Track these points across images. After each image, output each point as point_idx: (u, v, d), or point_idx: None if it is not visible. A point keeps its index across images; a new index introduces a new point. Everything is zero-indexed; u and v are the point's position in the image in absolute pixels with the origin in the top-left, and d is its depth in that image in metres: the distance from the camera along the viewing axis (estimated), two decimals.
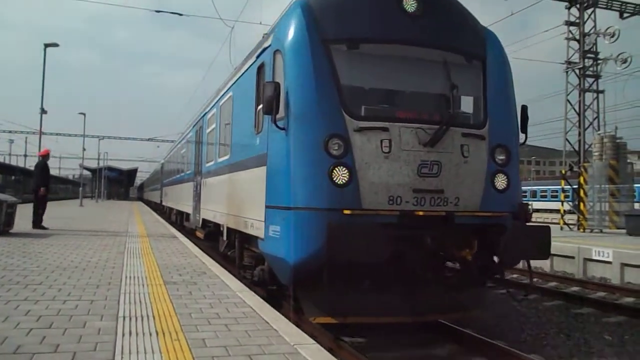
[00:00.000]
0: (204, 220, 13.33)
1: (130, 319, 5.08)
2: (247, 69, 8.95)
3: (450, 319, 7.53)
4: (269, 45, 7.47)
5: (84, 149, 57.04)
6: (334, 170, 6.25)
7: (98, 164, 70.12)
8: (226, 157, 10.43)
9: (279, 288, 7.62)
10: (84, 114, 52.14)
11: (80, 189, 48.40)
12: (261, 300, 6.38)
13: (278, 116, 6.54)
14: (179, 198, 20.58)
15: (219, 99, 12.01)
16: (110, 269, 8.16)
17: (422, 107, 7.11)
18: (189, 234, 16.72)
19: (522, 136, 7.62)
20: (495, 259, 7.03)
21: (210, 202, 12.39)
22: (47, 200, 15.84)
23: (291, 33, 6.81)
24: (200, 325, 4.94)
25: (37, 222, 14.90)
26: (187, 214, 17.42)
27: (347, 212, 6.18)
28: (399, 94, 7.38)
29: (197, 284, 7.17)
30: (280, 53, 6.92)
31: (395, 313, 6.77)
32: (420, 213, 6.50)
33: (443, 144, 6.66)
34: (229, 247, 10.24)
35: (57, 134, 63.18)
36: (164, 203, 30.65)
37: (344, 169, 6.27)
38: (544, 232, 7.02)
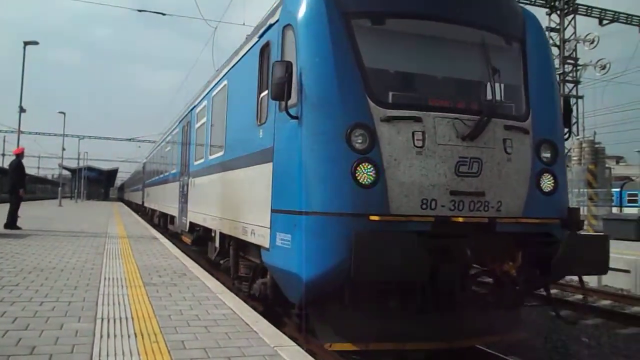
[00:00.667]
0: (191, 224, 12.23)
1: (108, 320, 5.03)
2: (246, 52, 7.87)
3: (487, 343, 6.64)
4: (277, 21, 6.41)
5: (63, 149, 56.47)
6: (358, 168, 5.29)
7: (78, 163, 69.38)
8: (219, 154, 9.36)
9: (282, 305, 6.79)
10: (64, 113, 51.63)
11: (59, 189, 47.86)
12: (241, 302, 6.36)
13: (289, 102, 5.55)
14: (163, 199, 19.37)
15: (211, 89, 10.79)
16: (89, 270, 8.06)
17: (459, 94, 6.25)
18: (173, 237, 16.13)
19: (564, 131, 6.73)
20: (537, 272, 6.06)
21: (199, 204, 11.37)
22: (22, 201, 15.59)
23: (305, 4, 5.81)
24: (180, 327, 4.91)
25: (12, 222, 14.65)
26: (172, 217, 16.33)
27: (374, 218, 5.20)
28: (431, 78, 6.36)
29: (177, 285, 7.12)
30: (292, 28, 5.90)
31: (426, 338, 5.78)
32: (460, 219, 5.54)
33: (484, 138, 5.74)
34: (221, 255, 9.23)
35: (36, 133, 62.31)
36: (146, 204, 29.34)
37: (370, 166, 5.31)
38: (602, 242, 6.05)
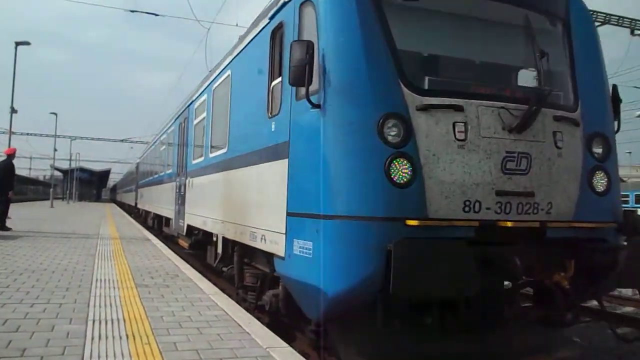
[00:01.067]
0: (189, 227, 11.43)
1: (100, 322, 5.00)
2: (254, 37, 7.07)
3: None
4: None
5: (55, 150, 56.10)
6: (393, 164, 4.60)
7: (70, 164, 69.03)
8: (222, 152, 8.55)
9: (295, 320, 6.20)
10: (56, 114, 51.35)
11: (51, 190, 47.58)
12: (234, 303, 6.35)
13: (310, 89, 4.84)
14: (158, 200, 18.46)
15: (212, 82, 9.93)
16: (81, 271, 8.02)
17: (503, 80, 5.69)
18: (169, 240, 15.67)
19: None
20: (589, 283, 5.39)
21: (198, 206, 10.57)
22: (10, 202, 15.47)
23: None
24: (172, 329, 4.89)
25: (1, 224, 14.52)
26: (168, 219, 15.48)
27: (411, 223, 4.51)
28: (471, 62, 5.69)
29: (169, 287, 7.10)
30: (312, 5, 5.21)
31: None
32: (508, 224, 4.85)
33: (533, 131, 5.08)
34: (224, 261, 8.50)
35: (27, 134, 61.96)
36: (139, 206, 28.39)
37: (405, 162, 4.63)
38: None
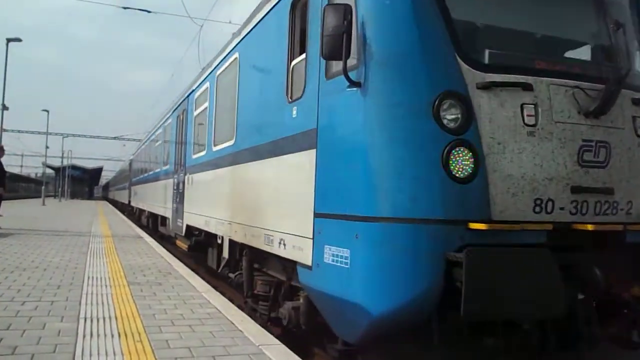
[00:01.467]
0: (188, 227, 10.61)
1: (91, 320, 4.98)
2: (269, 11, 6.21)
3: None
4: None
5: (47, 147, 55.78)
6: (452, 154, 3.85)
7: (62, 162, 68.69)
8: (228, 144, 7.67)
9: (317, 335, 5.53)
10: (47, 111, 51.03)
11: (43, 187, 47.33)
12: (227, 300, 6.34)
13: (348, 64, 4.05)
14: (153, 198, 17.50)
15: (215, 68, 9.04)
16: (72, 269, 7.99)
17: (573, 55, 4.89)
18: (165, 240, 15.36)
19: None
20: None
21: (199, 204, 9.75)
22: (1, 200, 15.36)
23: None
24: (164, 327, 4.88)
25: None
26: (164, 218, 14.64)
27: (475, 226, 3.80)
28: (536, 34, 4.78)
29: (161, 284, 7.08)
30: None
31: None
32: (589, 227, 4.08)
33: (611, 115, 4.28)
34: (230, 266, 7.73)
35: (19, 131, 61.60)
36: (133, 204, 27.38)
37: (466, 151, 3.88)
38: None
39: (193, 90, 11.21)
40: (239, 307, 6.31)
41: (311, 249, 4.57)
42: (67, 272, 7.67)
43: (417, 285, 3.79)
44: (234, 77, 7.58)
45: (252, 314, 6.37)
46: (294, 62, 5.39)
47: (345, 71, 4.01)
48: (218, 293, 6.80)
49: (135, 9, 18.72)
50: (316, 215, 4.57)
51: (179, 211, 11.85)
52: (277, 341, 4.64)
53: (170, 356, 4.04)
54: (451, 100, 3.93)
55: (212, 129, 8.98)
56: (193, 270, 9.14)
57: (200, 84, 10.40)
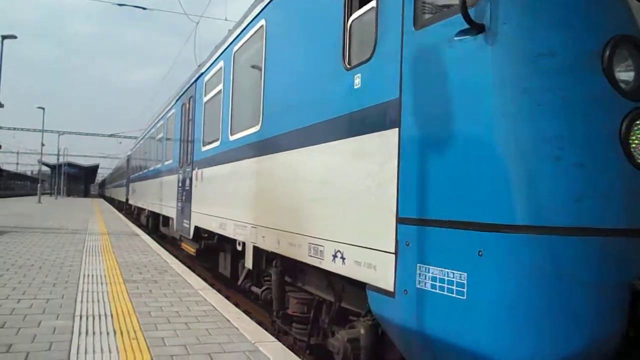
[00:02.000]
0: (197, 229, 9.48)
1: (87, 318, 4.97)
2: None
3: None
4: None
5: (42, 144, 55.58)
6: (634, 130, 2.75)
7: (58, 159, 68.49)
8: (251, 132, 6.36)
9: None
10: (43, 109, 50.80)
11: (39, 185, 47.18)
12: (223, 298, 6.34)
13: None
14: (154, 196, 16.09)
15: (232, 43, 7.72)
16: (68, 267, 7.97)
17: None
18: (165, 240, 14.97)
19: None
20: None
21: (211, 203, 8.52)
22: None
23: None
24: (160, 324, 4.87)
25: None
26: (167, 218, 13.51)
27: None
28: None
29: (157, 282, 7.07)
30: None
31: None
32: None
33: None
34: (254, 279, 6.74)
35: (14, 129, 61.37)
36: (131, 202, 25.80)
37: None
38: None
39: (202, 74, 9.82)
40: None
41: (393, 268, 3.33)
42: (63, 270, 7.65)
43: (591, 327, 2.63)
44: (258, 50, 6.35)
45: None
46: (353, 17, 4.18)
47: (464, 9, 2.80)
48: (214, 290, 6.79)
49: (131, 5, 18.66)
50: (401, 220, 3.30)
51: (185, 211, 10.60)
52: (273, 338, 4.64)
53: (166, 353, 4.03)
54: (627, 49, 2.78)
55: (228, 115, 7.59)
56: (189, 267, 9.13)
57: (213, 64, 8.96)
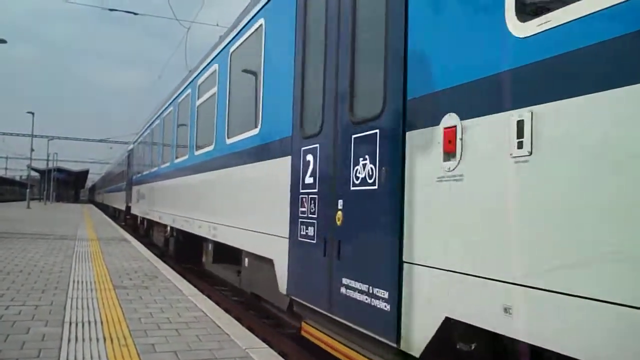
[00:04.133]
0: None
1: (76, 324, 4.94)
2: None
3: None
4: None
5: (32, 150, 55.23)
6: None
7: (47, 165, 68.05)
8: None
9: None
10: (33, 113, 50.49)
11: (28, 190, 46.83)
12: (214, 304, 6.32)
13: None
14: (192, 205, 9.56)
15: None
16: (57, 273, 7.91)
17: None
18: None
19: None
20: None
21: None
22: None
23: None
24: (150, 330, 4.85)
25: None
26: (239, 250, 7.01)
27: None
28: None
29: (148, 288, 7.04)
30: None
31: None
32: None
33: None
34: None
35: (3, 134, 60.97)
36: (136, 211, 18.84)
37: None
38: None
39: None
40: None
41: None
42: (52, 276, 7.60)
43: None
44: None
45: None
46: None
47: None
48: (205, 296, 6.77)
49: (122, 10, 18.65)
50: None
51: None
52: (263, 344, 4.63)
53: None
54: None
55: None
56: (180, 273, 9.10)
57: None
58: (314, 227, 4.63)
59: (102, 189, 52.48)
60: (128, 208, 21.36)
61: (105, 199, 42.36)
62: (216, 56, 8.60)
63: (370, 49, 4.02)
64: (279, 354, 4.49)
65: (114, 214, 31.66)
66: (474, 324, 2.79)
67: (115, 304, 5.94)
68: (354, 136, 4.06)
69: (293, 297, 5.07)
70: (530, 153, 2.49)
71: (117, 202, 28.64)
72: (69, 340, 4.39)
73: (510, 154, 2.58)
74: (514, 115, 2.58)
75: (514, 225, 2.58)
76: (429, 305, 3.13)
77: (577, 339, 2.22)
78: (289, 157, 5.21)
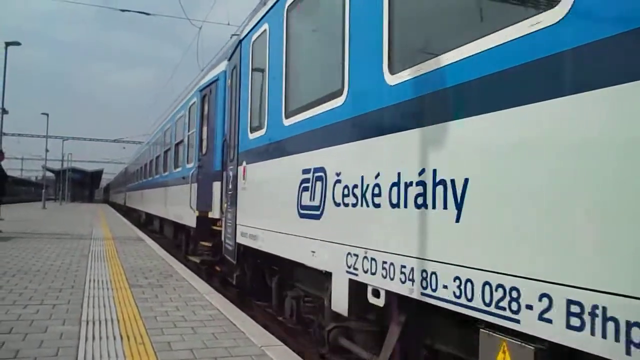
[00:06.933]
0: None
1: (93, 323, 4.98)
2: None
3: None
4: None
5: (47, 150, 55.81)
6: None
7: (62, 165, 68.69)
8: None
9: None
10: (47, 114, 51.01)
11: (43, 190, 47.29)
12: (229, 302, 6.34)
13: None
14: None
15: None
16: (74, 272, 7.98)
17: None
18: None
19: None
20: None
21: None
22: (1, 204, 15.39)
23: None
24: (166, 329, 4.87)
25: None
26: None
27: None
28: None
29: (163, 286, 7.08)
30: None
31: None
32: None
33: None
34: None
35: (19, 135, 61.65)
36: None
37: None
38: None
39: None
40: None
41: None
42: (69, 275, 7.67)
43: None
44: None
45: None
46: None
47: None
48: (220, 295, 6.80)
49: (134, 11, 18.75)
50: None
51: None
52: (279, 342, 4.63)
53: (172, 358, 4.03)
54: None
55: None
56: (194, 272, 9.14)
57: None
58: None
59: (124, 186, 37.32)
60: (203, 221, 9.96)
61: (131, 200, 27.82)
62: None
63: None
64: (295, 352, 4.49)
65: (127, 212, 23.66)
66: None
67: (131, 302, 5.98)
68: None
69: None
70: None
71: (132, 202, 22.30)
72: (86, 339, 4.42)
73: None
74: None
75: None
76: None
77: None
78: None
